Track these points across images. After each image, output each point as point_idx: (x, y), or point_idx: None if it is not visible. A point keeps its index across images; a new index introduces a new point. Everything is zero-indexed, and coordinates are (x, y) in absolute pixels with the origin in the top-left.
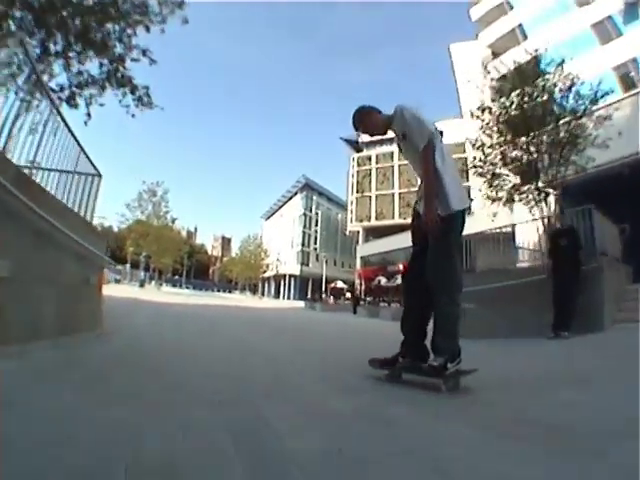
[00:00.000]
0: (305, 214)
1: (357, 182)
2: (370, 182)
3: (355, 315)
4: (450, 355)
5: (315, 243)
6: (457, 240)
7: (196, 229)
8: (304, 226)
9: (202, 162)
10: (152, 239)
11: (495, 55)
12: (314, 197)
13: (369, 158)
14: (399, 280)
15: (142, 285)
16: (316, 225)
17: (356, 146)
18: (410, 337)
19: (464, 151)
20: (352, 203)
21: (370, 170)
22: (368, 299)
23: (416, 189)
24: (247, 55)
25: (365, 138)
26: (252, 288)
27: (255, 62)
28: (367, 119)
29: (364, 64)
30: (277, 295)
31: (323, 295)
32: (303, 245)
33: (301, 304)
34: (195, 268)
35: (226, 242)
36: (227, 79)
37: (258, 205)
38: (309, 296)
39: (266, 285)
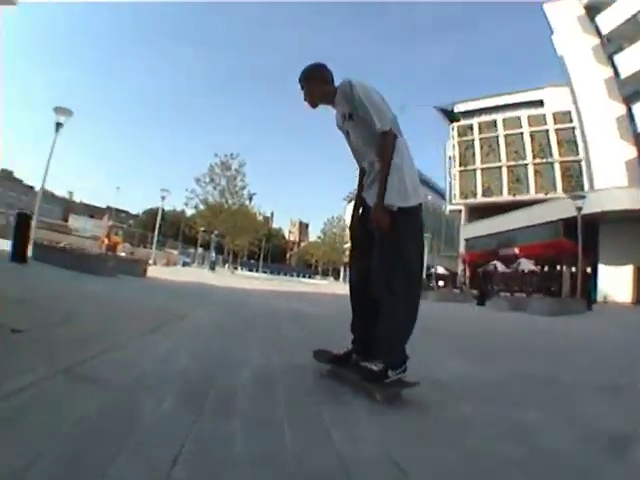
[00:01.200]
0: None
1: (460, 154)
2: (474, 154)
3: (483, 307)
4: (391, 361)
5: None
6: (414, 235)
7: (272, 214)
8: None
9: (279, 145)
10: (226, 216)
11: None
12: None
13: (470, 127)
14: (525, 265)
15: (213, 268)
16: None
17: (452, 115)
18: (359, 333)
19: (570, 120)
20: (454, 177)
21: (472, 141)
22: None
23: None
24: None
25: (461, 107)
26: (333, 273)
27: (328, 52)
28: (313, 84)
29: (436, 48)
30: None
31: (434, 283)
32: None
33: None
34: (272, 252)
35: (304, 227)
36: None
37: (338, 188)
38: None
39: (347, 270)
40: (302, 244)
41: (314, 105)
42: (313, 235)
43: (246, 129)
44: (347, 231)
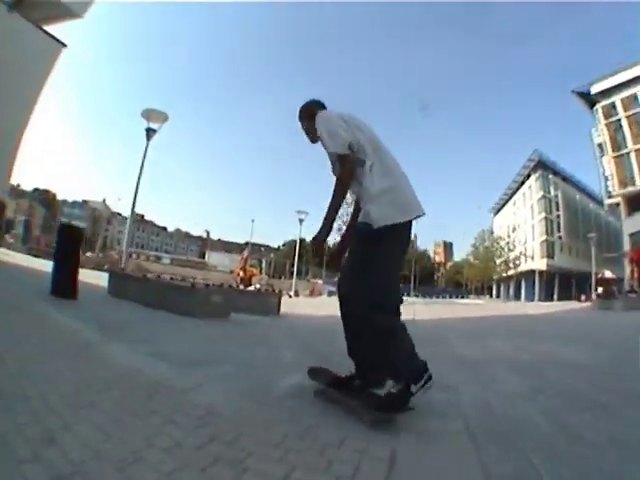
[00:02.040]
0: (544, 196)
1: (610, 137)
2: (624, 136)
3: None
4: (409, 376)
5: (558, 231)
6: (389, 255)
7: (416, 235)
8: (545, 211)
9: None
10: None
11: None
12: (549, 176)
13: (613, 106)
14: None
15: None
16: (557, 209)
17: (589, 98)
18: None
19: None
20: (609, 164)
21: (619, 121)
22: None
23: None
24: (422, 57)
25: (597, 87)
26: (484, 291)
27: (431, 63)
28: (308, 121)
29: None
30: (517, 296)
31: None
32: (547, 234)
33: (573, 305)
34: (419, 275)
35: (448, 247)
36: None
37: (478, 200)
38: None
39: (501, 286)
40: (448, 264)
41: (313, 141)
42: (457, 254)
43: None
44: (501, 243)
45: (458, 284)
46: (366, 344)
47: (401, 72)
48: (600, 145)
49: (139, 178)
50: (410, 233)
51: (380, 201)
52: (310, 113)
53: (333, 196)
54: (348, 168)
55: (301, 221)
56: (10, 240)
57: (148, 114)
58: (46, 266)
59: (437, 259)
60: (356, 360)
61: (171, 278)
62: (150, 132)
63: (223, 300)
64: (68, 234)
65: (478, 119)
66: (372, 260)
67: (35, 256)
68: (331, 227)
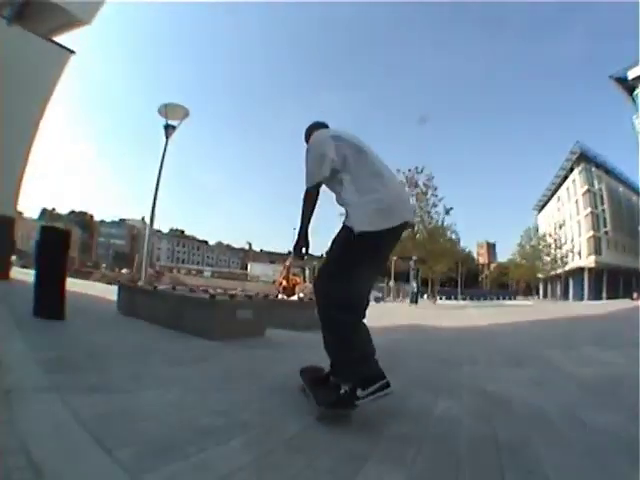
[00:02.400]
0: (589, 190)
1: None
2: None
3: None
4: (356, 381)
5: (605, 226)
6: (365, 260)
7: (459, 237)
8: (591, 205)
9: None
10: (422, 239)
11: None
12: (592, 169)
13: None
14: None
15: (415, 301)
16: (602, 203)
17: (628, 84)
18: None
19: None
20: None
21: None
22: None
23: None
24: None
25: (635, 72)
26: (530, 291)
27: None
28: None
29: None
30: (565, 296)
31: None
32: (594, 229)
33: (627, 304)
34: (465, 276)
35: (491, 248)
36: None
37: (519, 199)
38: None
39: (548, 286)
40: (492, 265)
41: None
42: (501, 255)
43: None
44: (548, 240)
45: (503, 285)
46: (324, 342)
47: (433, 76)
48: None
49: (158, 182)
50: (389, 240)
51: (356, 211)
52: (309, 135)
53: (301, 214)
54: (309, 202)
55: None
56: None
57: (166, 109)
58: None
59: (481, 260)
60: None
61: (191, 290)
62: (169, 129)
63: (253, 315)
64: (51, 238)
65: (511, 119)
66: (335, 260)
67: None
68: (306, 238)
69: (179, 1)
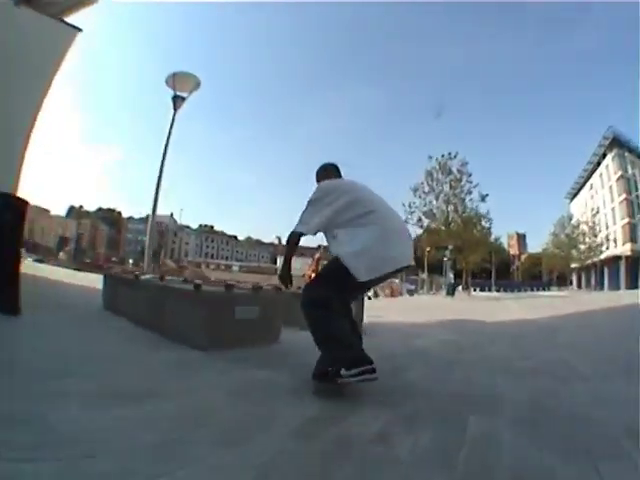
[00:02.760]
0: (623, 176)
1: None
2: None
3: None
4: (342, 363)
5: None
6: (344, 288)
7: (490, 227)
8: (626, 192)
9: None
10: (457, 228)
11: None
12: (626, 154)
13: None
14: None
15: (452, 293)
16: (636, 190)
17: None
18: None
19: None
20: None
21: None
22: None
23: None
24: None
25: None
26: (563, 282)
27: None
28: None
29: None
30: (601, 286)
31: None
32: (629, 216)
33: None
34: (496, 268)
35: (521, 238)
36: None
37: (552, 190)
38: None
39: (582, 276)
40: (522, 256)
41: None
42: (531, 246)
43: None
44: (583, 228)
45: (534, 276)
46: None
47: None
48: None
49: (163, 161)
50: (379, 281)
51: (350, 262)
52: (318, 179)
53: (285, 254)
54: (291, 245)
55: (177, 100)
56: (62, 257)
57: (174, 79)
58: (75, 278)
59: (511, 251)
60: None
61: (185, 280)
62: (178, 100)
63: (260, 313)
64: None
65: (538, 108)
66: (324, 278)
67: (77, 270)
68: (289, 272)
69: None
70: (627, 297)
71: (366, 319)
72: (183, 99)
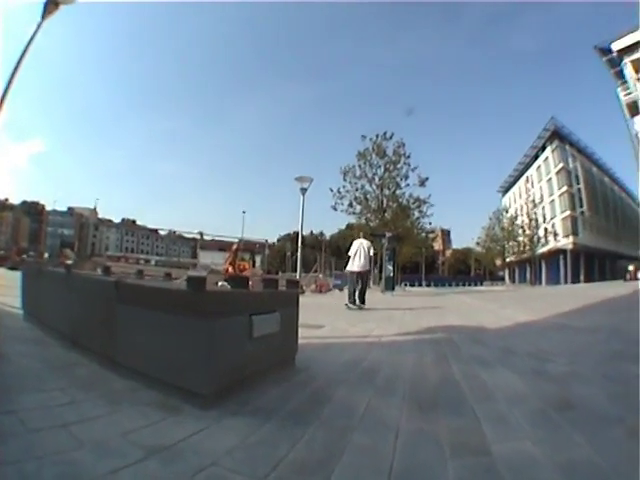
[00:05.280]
0: (564, 168)
1: None
2: None
3: None
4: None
5: (581, 206)
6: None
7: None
8: (567, 184)
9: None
10: (392, 216)
11: None
12: (567, 147)
13: None
14: None
15: (391, 287)
16: (577, 183)
17: (611, 58)
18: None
19: None
20: None
21: None
22: None
23: None
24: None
25: (619, 44)
26: (489, 277)
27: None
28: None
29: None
30: (538, 280)
31: None
32: (571, 209)
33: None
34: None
35: (445, 234)
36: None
37: (478, 187)
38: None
39: (516, 271)
40: (447, 252)
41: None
42: (456, 242)
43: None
44: (521, 220)
45: (460, 272)
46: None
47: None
48: (634, 104)
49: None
50: (358, 273)
51: (351, 267)
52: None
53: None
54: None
55: (304, 191)
56: None
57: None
58: None
59: (435, 247)
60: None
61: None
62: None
63: (281, 324)
64: None
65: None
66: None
67: None
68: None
69: None
70: (589, 290)
71: (301, 333)
72: (56, 4)
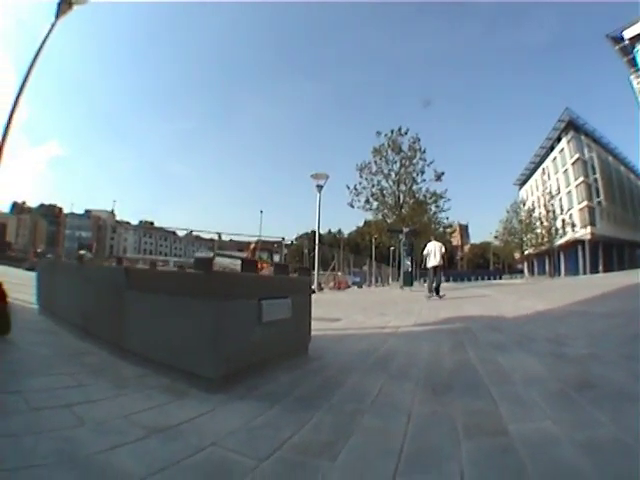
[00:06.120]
0: (580, 159)
1: None
2: None
3: None
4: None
5: (597, 196)
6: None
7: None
8: (584, 175)
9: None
10: (409, 212)
11: None
12: (582, 137)
13: None
14: None
15: (409, 282)
16: (594, 173)
17: (623, 46)
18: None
19: None
20: None
21: None
22: None
23: None
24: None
25: (631, 31)
26: (508, 270)
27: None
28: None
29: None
30: (557, 272)
31: None
32: (588, 199)
33: None
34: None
35: (463, 229)
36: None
37: (495, 180)
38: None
39: (535, 263)
40: (465, 247)
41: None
42: (474, 236)
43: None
44: (539, 212)
45: (479, 266)
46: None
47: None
48: None
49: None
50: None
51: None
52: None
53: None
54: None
55: (320, 188)
56: None
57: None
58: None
59: (454, 242)
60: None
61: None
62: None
63: (293, 310)
64: None
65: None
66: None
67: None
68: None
69: None
70: (613, 279)
71: (316, 326)
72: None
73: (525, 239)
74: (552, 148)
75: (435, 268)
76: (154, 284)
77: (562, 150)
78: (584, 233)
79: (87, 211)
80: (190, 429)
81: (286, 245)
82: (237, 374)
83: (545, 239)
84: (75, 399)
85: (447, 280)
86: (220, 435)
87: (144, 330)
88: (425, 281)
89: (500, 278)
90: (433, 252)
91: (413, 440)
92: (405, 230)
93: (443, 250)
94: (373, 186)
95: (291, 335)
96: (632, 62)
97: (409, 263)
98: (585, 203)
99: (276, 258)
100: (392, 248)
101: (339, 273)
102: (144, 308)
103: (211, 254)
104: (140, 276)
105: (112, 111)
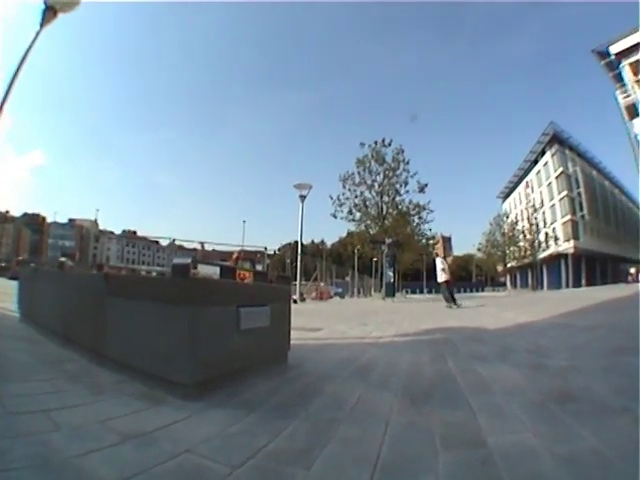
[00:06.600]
0: (564, 173)
1: None
2: None
3: None
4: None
5: (581, 210)
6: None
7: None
8: (567, 188)
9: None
10: (392, 224)
11: None
12: (566, 151)
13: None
14: None
15: (392, 293)
16: (577, 187)
17: (609, 62)
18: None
19: None
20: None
21: None
22: None
23: None
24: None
25: (617, 47)
26: (490, 283)
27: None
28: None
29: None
30: (540, 285)
31: None
32: (571, 213)
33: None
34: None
35: (446, 241)
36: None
37: (477, 192)
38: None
39: (517, 276)
40: (448, 259)
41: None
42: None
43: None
44: (522, 225)
45: (462, 278)
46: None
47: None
48: (632, 106)
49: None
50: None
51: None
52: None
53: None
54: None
55: (303, 198)
56: None
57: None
58: None
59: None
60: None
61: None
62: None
63: (271, 318)
64: None
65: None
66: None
67: None
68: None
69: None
70: (595, 293)
71: (297, 335)
72: (54, 12)
73: (508, 252)
74: (536, 161)
75: (447, 282)
76: (133, 290)
77: (546, 163)
78: (567, 247)
79: (70, 220)
80: (165, 436)
81: (269, 255)
82: (215, 381)
83: (528, 252)
84: (52, 405)
85: (429, 292)
86: (194, 442)
87: (124, 337)
88: (407, 292)
89: (482, 290)
90: (445, 268)
91: (390, 450)
92: (388, 241)
93: (441, 265)
94: (356, 197)
95: (270, 343)
96: (618, 77)
97: (391, 274)
98: (569, 217)
99: (259, 268)
100: (375, 259)
101: (321, 283)
102: (124, 315)
103: (189, 260)
104: (120, 282)
105: (96, 120)
